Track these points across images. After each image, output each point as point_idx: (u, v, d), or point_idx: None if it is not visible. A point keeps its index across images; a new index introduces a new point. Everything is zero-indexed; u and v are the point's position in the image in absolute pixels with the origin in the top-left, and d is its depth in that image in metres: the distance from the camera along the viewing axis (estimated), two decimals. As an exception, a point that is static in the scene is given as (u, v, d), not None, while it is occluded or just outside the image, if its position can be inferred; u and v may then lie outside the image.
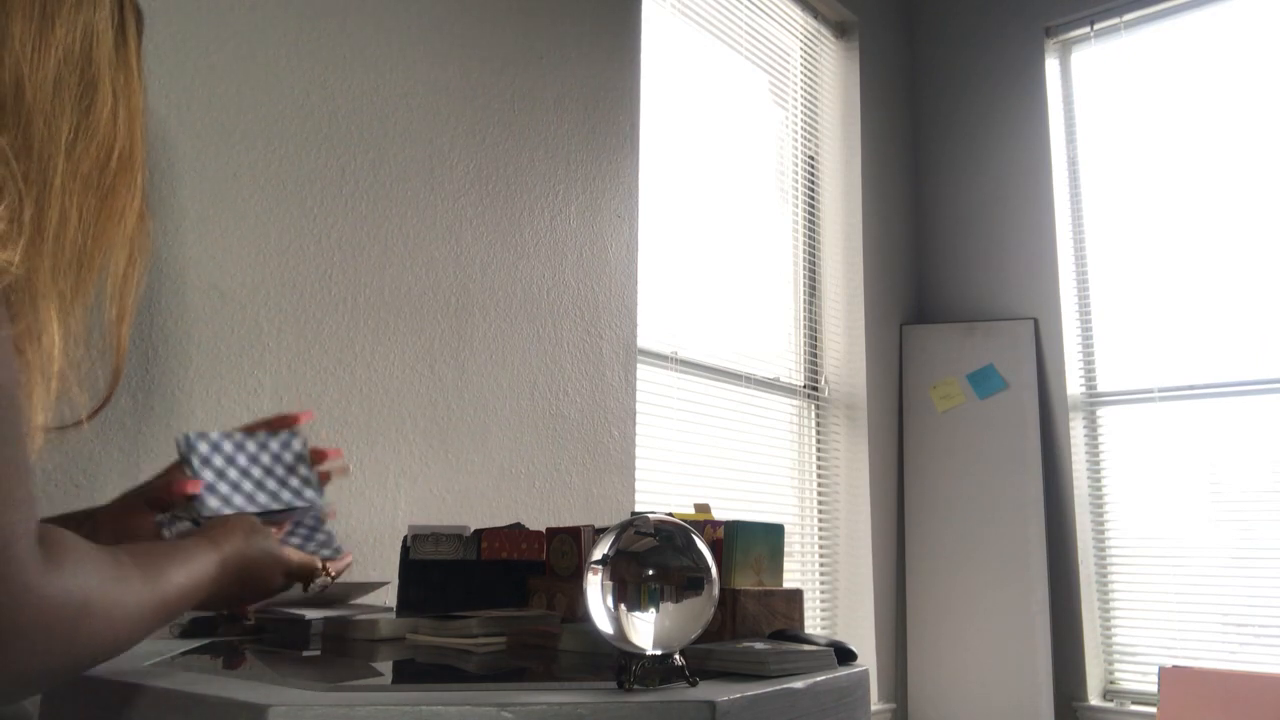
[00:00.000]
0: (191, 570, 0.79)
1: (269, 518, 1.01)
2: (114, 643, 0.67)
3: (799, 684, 0.88)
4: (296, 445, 1.06)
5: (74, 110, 0.69)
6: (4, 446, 0.58)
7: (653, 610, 0.78)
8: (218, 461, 1.00)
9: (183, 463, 0.99)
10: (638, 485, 2.28)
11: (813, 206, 3.22)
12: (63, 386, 0.67)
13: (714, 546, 1.09)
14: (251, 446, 1.03)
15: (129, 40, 0.76)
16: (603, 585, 0.78)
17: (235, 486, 1.00)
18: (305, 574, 0.96)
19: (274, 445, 1.05)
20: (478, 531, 1.42)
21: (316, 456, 1.08)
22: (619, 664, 0.79)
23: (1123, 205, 3.22)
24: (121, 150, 0.73)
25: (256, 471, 1.02)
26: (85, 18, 0.71)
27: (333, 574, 1.00)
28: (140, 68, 0.77)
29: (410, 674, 0.98)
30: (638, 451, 2.28)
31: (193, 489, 0.97)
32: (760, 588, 1.16)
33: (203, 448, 1.00)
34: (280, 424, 1.07)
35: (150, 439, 1.44)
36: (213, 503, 0.97)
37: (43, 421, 0.66)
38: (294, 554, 0.94)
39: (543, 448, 2.04)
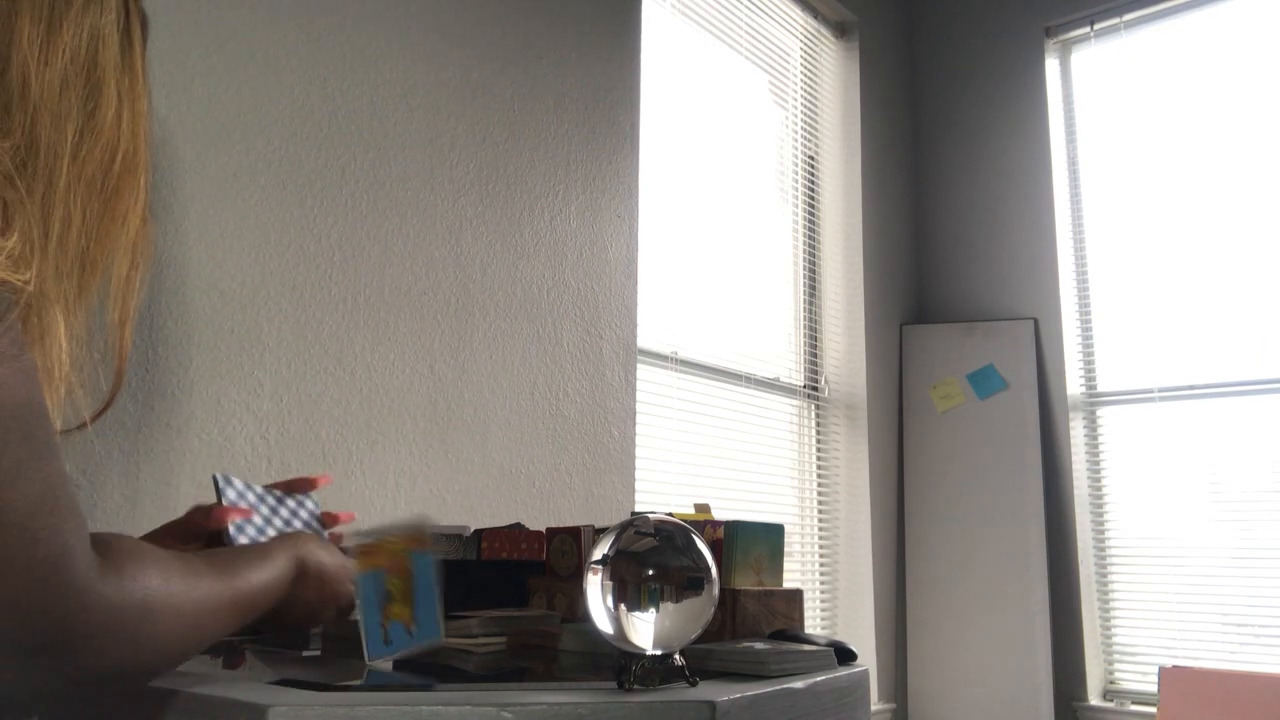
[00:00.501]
0: (267, 569, 0.80)
1: None
2: (186, 639, 0.68)
3: (799, 684, 0.88)
4: (310, 506, 1.06)
5: (79, 112, 0.69)
6: (47, 459, 0.60)
7: (653, 610, 0.78)
8: (245, 505, 1.00)
9: (219, 498, 0.99)
10: (638, 485, 2.28)
11: (813, 206, 3.22)
12: (66, 389, 0.67)
13: (714, 546, 1.09)
14: (271, 500, 1.03)
15: (134, 44, 0.76)
16: (603, 585, 0.79)
17: (260, 531, 1.00)
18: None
19: (290, 504, 1.05)
20: (478, 531, 1.43)
21: (329, 520, 1.08)
22: (619, 664, 0.79)
23: (1123, 205, 3.22)
24: (125, 153, 0.73)
25: (278, 523, 1.02)
26: (92, 21, 0.71)
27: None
28: (145, 72, 0.77)
29: (410, 674, 0.98)
30: (638, 451, 2.28)
31: (234, 516, 0.96)
32: (760, 588, 1.16)
33: (236, 487, 1.00)
34: (298, 486, 1.07)
35: (151, 439, 1.44)
36: (242, 540, 0.97)
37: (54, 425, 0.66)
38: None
39: (543, 448, 2.04)
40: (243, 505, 0.99)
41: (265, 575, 0.79)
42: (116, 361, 0.78)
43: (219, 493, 0.98)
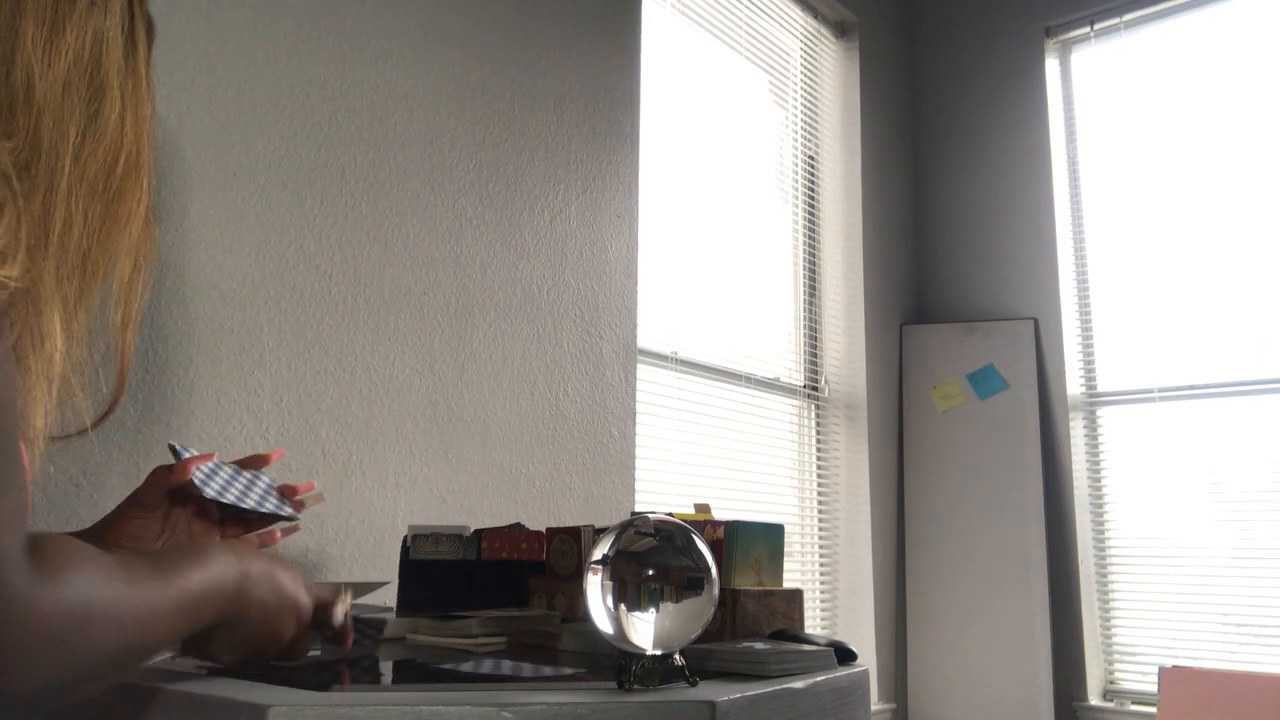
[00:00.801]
0: (209, 566, 0.74)
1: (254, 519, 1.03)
2: (130, 647, 0.65)
3: (799, 684, 0.88)
4: (266, 478, 1.07)
5: (82, 114, 0.69)
6: (3, 460, 0.58)
7: (653, 610, 0.78)
8: (206, 467, 1.00)
9: (178, 460, 0.99)
10: (638, 485, 2.28)
11: (813, 206, 3.22)
12: (65, 391, 0.67)
13: (714, 546, 1.09)
14: (230, 468, 1.04)
15: (139, 48, 0.76)
16: (603, 585, 0.79)
17: (224, 488, 1.00)
18: (330, 596, 0.89)
19: (248, 474, 1.06)
20: (478, 531, 1.43)
21: (288, 491, 1.07)
22: (619, 664, 0.79)
23: (1123, 205, 3.22)
24: (128, 155, 0.73)
25: (240, 483, 1.03)
26: (96, 23, 0.71)
27: (349, 602, 0.95)
28: (149, 75, 0.77)
29: (410, 674, 0.98)
30: (638, 451, 2.28)
31: (195, 463, 0.96)
32: (760, 588, 1.16)
33: (192, 452, 1.01)
34: (251, 464, 1.07)
35: (151, 439, 1.44)
36: (210, 491, 0.97)
37: (44, 426, 0.66)
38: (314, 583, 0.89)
39: (543, 448, 2.04)
40: (204, 467, 0.99)
41: (209, 573, 0.73)
42: (118, 365, 0.77)
43: (177, 457, 0.99)
